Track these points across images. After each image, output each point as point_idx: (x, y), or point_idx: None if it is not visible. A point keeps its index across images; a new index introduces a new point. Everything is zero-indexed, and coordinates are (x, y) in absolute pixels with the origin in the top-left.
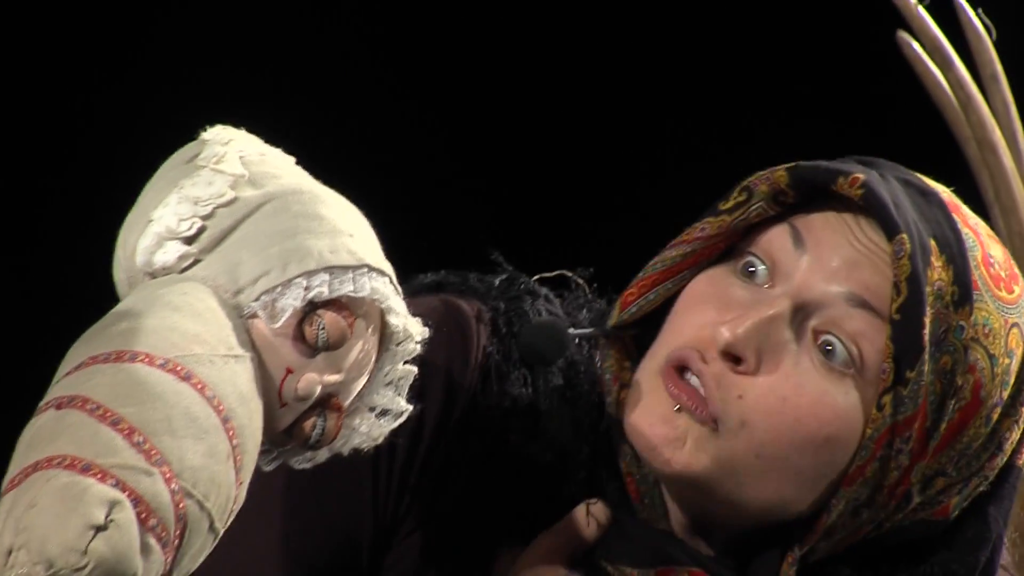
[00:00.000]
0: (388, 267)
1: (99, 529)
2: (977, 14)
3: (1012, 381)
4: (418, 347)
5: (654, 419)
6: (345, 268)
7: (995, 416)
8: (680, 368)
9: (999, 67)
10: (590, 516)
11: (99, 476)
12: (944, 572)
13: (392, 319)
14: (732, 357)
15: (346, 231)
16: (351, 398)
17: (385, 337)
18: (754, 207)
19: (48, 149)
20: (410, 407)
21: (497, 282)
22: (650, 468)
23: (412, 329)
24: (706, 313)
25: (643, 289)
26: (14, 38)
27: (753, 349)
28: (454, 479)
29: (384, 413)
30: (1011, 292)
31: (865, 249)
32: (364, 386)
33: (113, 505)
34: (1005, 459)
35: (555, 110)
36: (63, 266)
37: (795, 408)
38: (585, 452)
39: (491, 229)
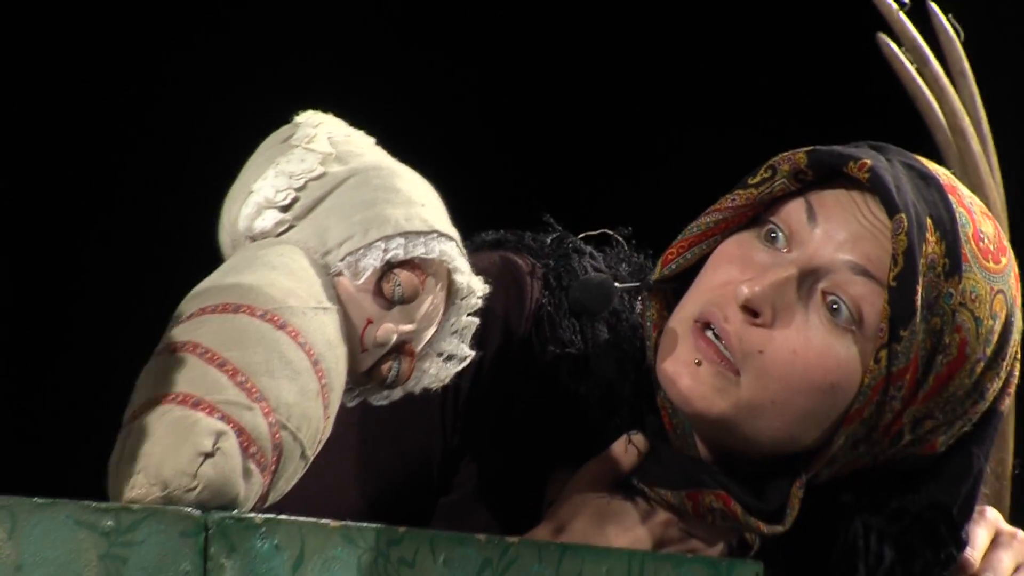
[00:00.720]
0: (454, 232)
1: (207, 456)
2: (948, 19)
3: (995, 340)
4: (479, 301)
5: (680, 366)
6: (418, 233)
7: (979, 369)
8: (706, 324)
9: (967, 65)
10: (630, 445)
11: (207, 410)
12: (930, 499)
13: (457, 277)
14: (751, 311)
15: (419, 202)
16: (422, 344)
17: (451, 292)
18: (778, 183)
19: (162, 137)
20: (472, 352)
21: (549, 240)
22: (676, 408)
23: (474, 286)
24: (731, 272)
25: (681, 249)
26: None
27: (769, 305)
28: (511, 414)
29: (450, 358)
30: (998, 263)
31: (869, 224)
32: (433, 334)
33: (219, 435)
34: (987, 405)
35: (594, 88)
36: (178, 230)
37: (804, 360)
38: (628, 389)
39: (542, 193)
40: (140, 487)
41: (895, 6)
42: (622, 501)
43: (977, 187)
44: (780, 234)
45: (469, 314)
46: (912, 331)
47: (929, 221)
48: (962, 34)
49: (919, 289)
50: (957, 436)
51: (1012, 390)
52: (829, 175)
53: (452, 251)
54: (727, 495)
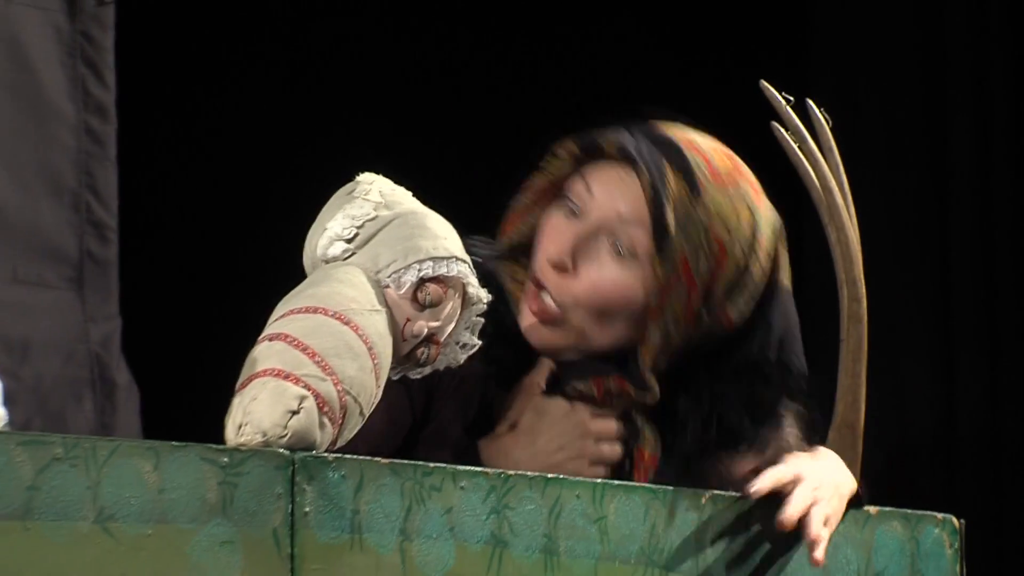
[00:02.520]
0: (467, 258)
1: (294, 413)
2: (820, 111)
3: (748, 233)
4: (484, 306)
5: (527, 321)
6: (442, 258)
7: (739, 255)
8: (538, 285)
9: (832, 142)
10: (548, 361)
11: (294, 381)
12: (746, 358)
13: (470, 289)
14: (559, 267)
15: (442, 236)
16: (445, 336)
17: (465, 299)
18: (562, 167)
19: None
20: (479, 341)
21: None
22: None
23: (481, 295)
24: (548, 243)
25: (513, 224)
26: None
27: (570, 258)
28: (453, 389)
29: (464, 345)
30: (735, 185)
31: (628, 183)
32: (452, 329)
33: (303, 398)
34: (763, 279)
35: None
36: (273, 256)
37: (602, 288)
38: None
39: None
40: (247, 435)
41: (783, 101)
42: (552, 399)
43: (840, 228)
44: (575, 205)
45: (477, 315)
46: (671, 245)
47: (668, 165)
48: (830, 121)
49: (669, 213)
50: (748, 308)
51: (784, 263)
52: (595, 154)
53: (466, 270)
54: (620, 377)
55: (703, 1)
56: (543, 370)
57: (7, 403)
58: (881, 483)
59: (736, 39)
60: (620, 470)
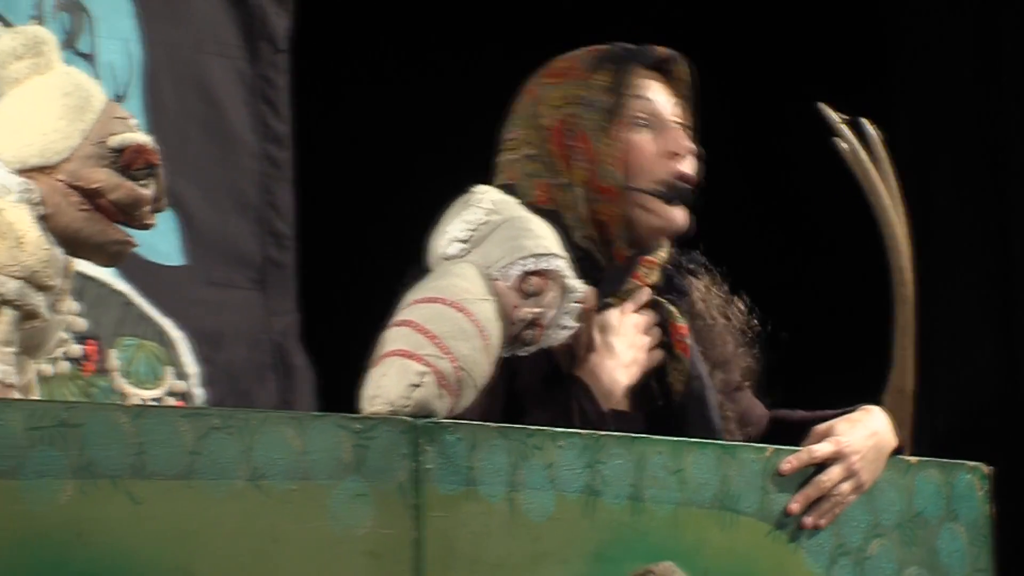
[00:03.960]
0: (565, 254)
1: (416, 386)
2: (872, 125)
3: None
4: (580, 294)
5: (679, 216)
6: (542, 255)
7: None
8: (685, 180)
9: (883, 153)
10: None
11: (417, 359)
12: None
13: (567, 280)
14: (694, 153)
15: (543, 236)
16: (547, 320)
17: (563, 289)
18: (599, 102)
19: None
20: (575, 325)
21: None
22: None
23: (577, 286)
24: (667, 146)
25: (583, 161)
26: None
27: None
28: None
29: (563, 328)
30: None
31: (659, 84)
32: (553, 314)
33: (424, 374)
34: None
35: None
36: (407, 255)
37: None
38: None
39: None
40: (377, 405)
41: (839, 120)
42: (605, 313)
43: (889, 225)
44: (644, 119)
45: (572, 302)
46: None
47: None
48: (881, 136)
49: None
50: None
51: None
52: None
53: (563, 265)
54: (636, 274)
55: (789, 30)
56: (588, 298)
57: (204, 384)
58: (951, 440)
59: (819, 65)
60: (668, 347)
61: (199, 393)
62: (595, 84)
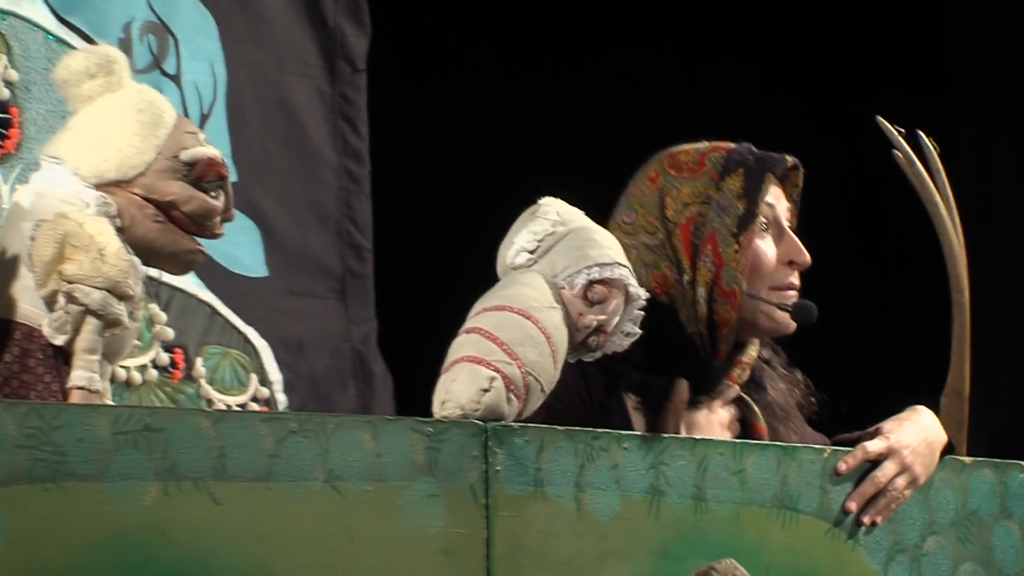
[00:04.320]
0: (628, 263)
1: (486, 391)
2: (928, 139)
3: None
4: (643, 302)
5: (786, 320)
6: (607, 264)
7: None
8: (791, 287)
9: (940, 164)
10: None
11: (486, 365)
12: None
13: (631, 288)
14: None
15: (607, 247)
16: (611, 327)
17: (627, 297)
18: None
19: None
20: (639, 331)
21: None
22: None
23: (640, 294)
24: (788, 255)
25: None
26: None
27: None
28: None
29: (627, 334)
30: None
31: (779, 190)
32: (617, 321)
33: (493, 379)
34: None
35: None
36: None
37: None
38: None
39: None
40: (448, 409)
41: (895, 132)
42: (694, 410)
43: (944, 234)
44: (764, 223)
45: (637, 310)
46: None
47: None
48: (937, 148)
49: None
50: None
51: None
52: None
53: (626, 274)
54: (729, 375)
55: (858, 54)
56: (681, 392)
57: (287, 391)
58: (1009, 440)
59: (885, 83)
60: None
61: (282, 399)
62: (727, 188)
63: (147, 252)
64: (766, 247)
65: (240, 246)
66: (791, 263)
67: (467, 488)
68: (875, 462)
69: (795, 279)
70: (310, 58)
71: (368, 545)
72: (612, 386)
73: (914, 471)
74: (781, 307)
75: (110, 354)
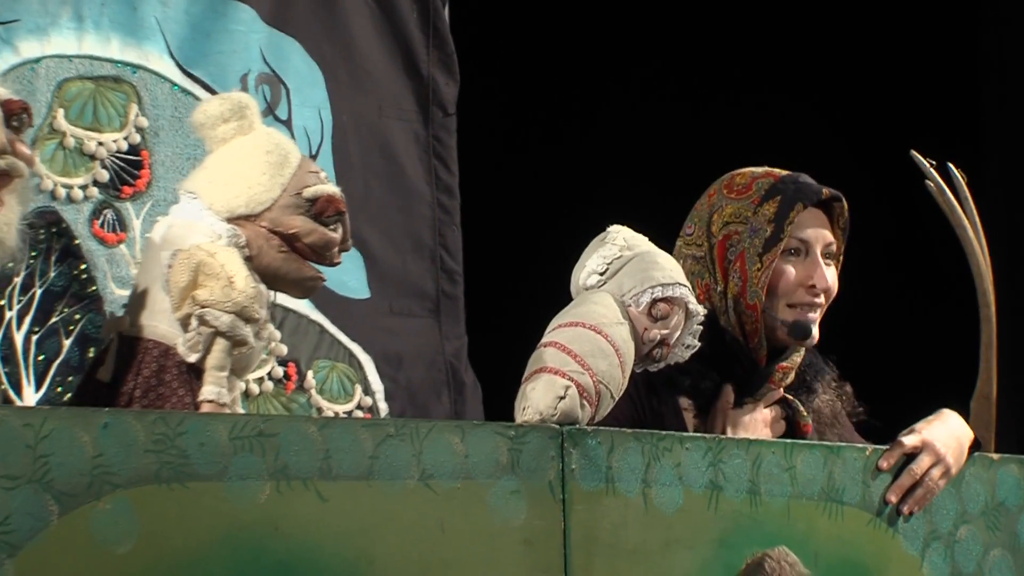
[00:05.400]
0: (688, 283)
1: (561, 398)
2: (957, 170)
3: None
4: (703, 318)
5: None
6: (669, 284)
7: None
8: (812, 307)
9: (967, 192)
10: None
11: (562, 375)
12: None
13: (690, 305)
14: (829, 293)
15: (669, 269)
16: (673, 340)
17: (687, 313)
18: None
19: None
20: (698, 343)
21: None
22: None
23: (700, 310)
24: (807, 278)
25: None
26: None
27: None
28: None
29: (688, 347)
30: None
31: (816, 217)
32: (679, 335)
33: (567, 387)
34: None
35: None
36: (553, 286)
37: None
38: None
39: None
40: (528, 414)
41: (927, 164)
42: (740, 410)
43: (972, 254)
44: (796, 248)
45: (696, 324)
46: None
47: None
48: (965, 177)
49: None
50: None
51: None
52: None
53: (686, 292)
54: (772, 377)
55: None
56: (727, 395)
57: (388, 400)
58: None
59: (918, 121)
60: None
61: (383, 407)
62: (761, 213)
63: (272, 279)
64: (787, 268)
65: (346, 271)
66: (812, 286)
67: (545, 485)
68: (910, 456)
69: (815, 299)
70: (406, 104)
71: (457, 536)
72: (666, 391)
73: (947, 462)
74: (783, 323)
75: (238, 370)
